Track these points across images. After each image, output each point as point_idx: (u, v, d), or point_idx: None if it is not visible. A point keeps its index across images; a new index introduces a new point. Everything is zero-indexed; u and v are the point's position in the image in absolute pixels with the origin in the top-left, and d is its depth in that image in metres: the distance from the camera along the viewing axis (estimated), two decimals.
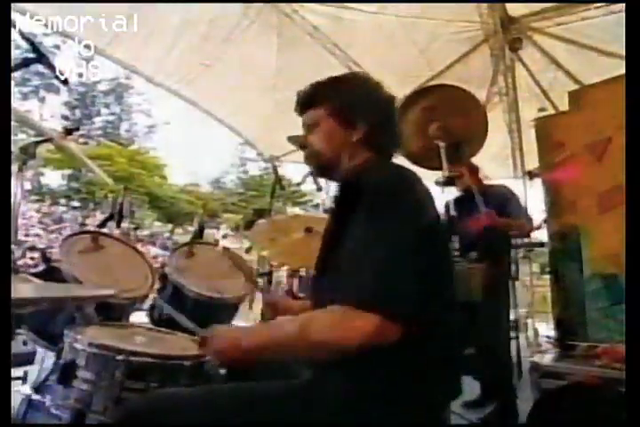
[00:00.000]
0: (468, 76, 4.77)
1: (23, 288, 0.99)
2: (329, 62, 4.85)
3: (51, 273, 1.35)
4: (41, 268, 1.39)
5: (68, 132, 1.18)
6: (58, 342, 1.32)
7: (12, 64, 1.22)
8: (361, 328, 0.87)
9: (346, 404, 0.92)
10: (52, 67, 1.17)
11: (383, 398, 0.92)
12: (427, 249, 0.95)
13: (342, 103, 1.14)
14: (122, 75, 28.74)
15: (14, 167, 1.08)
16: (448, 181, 1.94)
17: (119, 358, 1.10)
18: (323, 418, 0.91)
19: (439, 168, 2.06)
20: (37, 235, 16.73)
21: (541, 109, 4.45)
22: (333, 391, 0.93)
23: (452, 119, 1.99)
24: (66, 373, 1.12)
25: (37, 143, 1.10)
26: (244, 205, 26.86)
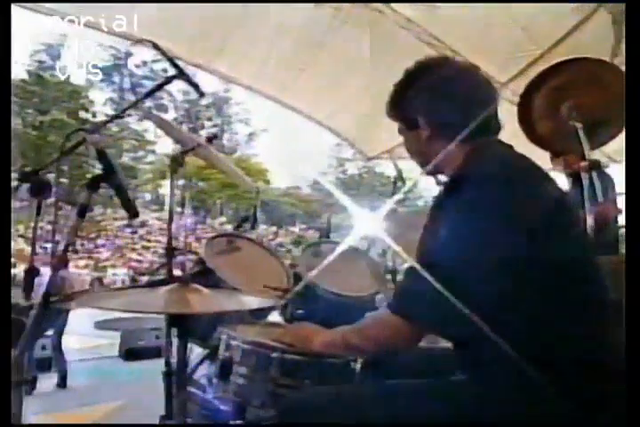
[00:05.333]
0: (582, 48, 4.32)
1: (203, 301, 1.07)
2: (425, 53, 4.69)
3: (207, 274, 1.49)
4: (197, 269, 1.52)
5: (210, 139, 1.28)
6: (206, 338, 1.43)
7: (155, 85, 1.34)
8: (383, 330, 0.99)
9: (505, 402, 0.88)
10: (191, 82, 1.26)
11: (544, 398, 0.87)
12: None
13: (398, 109, 1.16)
14: (220, 88, 30.85)
15: (168, 177, 1.18)
16: (595, 166, 1.72)
17: (274, 355, 1.15)
18: (476, 417, 0.89)
19: (571, 151, 1.87)
20: (158, 241, 18.48)
21: None
22: (493, 390, 0.90)
23: (587, 96, 1.78)
24: (224, 369, 1.19)
25: (185, 153, 1.20)
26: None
